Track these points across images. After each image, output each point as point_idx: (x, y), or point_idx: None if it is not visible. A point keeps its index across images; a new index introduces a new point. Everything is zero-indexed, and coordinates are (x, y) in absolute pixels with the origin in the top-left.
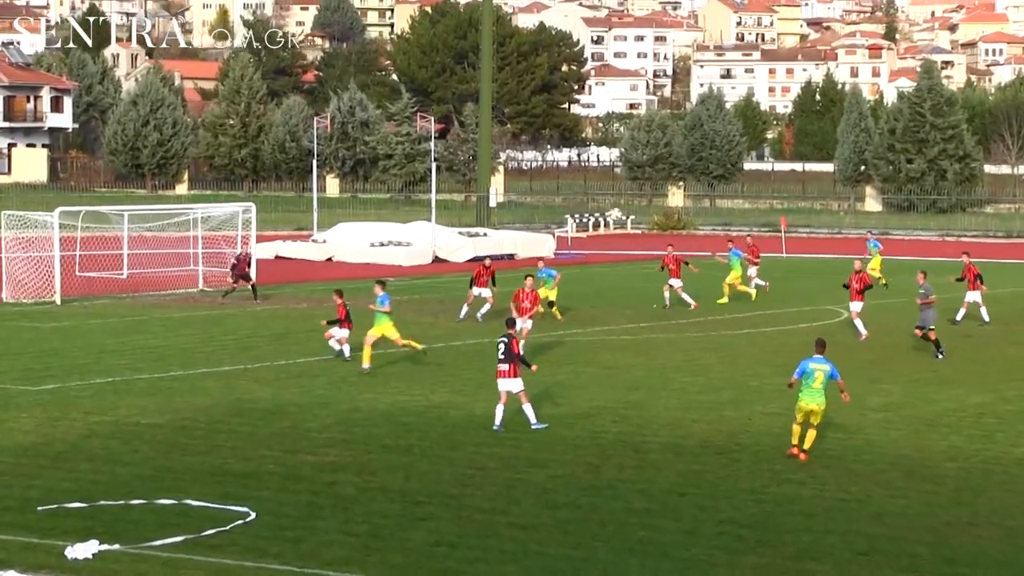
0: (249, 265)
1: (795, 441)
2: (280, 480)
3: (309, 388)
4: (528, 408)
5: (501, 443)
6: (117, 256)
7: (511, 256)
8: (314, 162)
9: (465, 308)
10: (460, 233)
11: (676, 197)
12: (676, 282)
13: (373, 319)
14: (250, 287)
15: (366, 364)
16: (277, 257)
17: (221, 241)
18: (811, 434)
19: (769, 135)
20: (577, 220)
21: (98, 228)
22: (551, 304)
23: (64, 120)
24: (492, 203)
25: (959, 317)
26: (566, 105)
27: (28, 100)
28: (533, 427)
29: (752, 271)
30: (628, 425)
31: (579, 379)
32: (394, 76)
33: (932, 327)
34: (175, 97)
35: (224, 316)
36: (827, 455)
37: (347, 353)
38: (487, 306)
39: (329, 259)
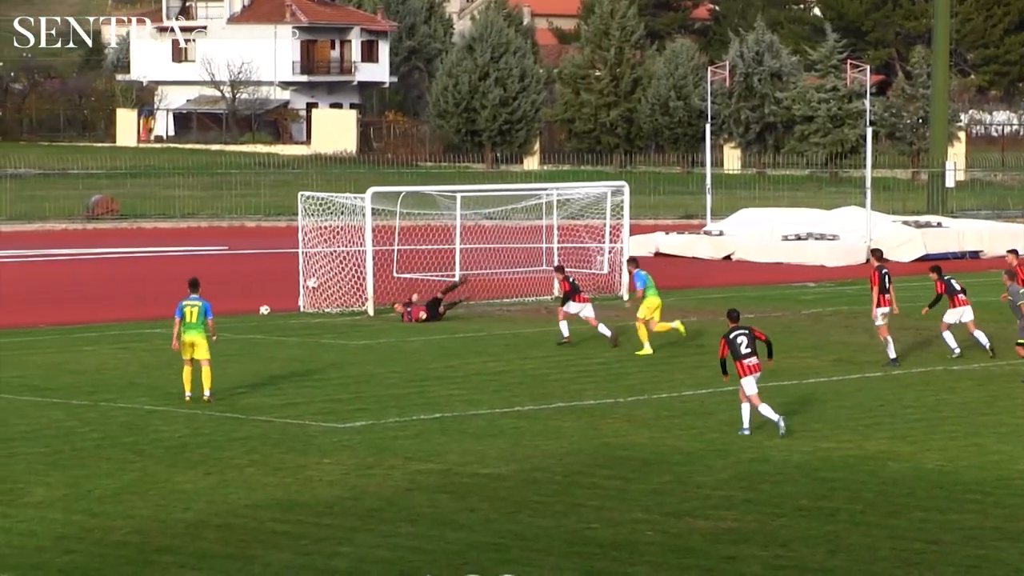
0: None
1: None
2: (660, 552)
3: (700, 430)
4: (766, 409)
5: (960, 507)
6: (447, 252)
7: (975, 254)
8: (707, 127)
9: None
10: (905, 223)
11: None
12: None
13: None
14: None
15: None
16: (657, 254)
17: (583, 232)
18: None
19: None
20: None
21: (422, 215)
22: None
23: (379, 72)
24: (949, 182)
25: None
26: None
27: (333, 46)
28: (781, 432)
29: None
30: None
31: None
32: (816, 11)
33: None
34: (524, 41)
35: (586, 333)
36: None
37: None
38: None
39: (727, 257)
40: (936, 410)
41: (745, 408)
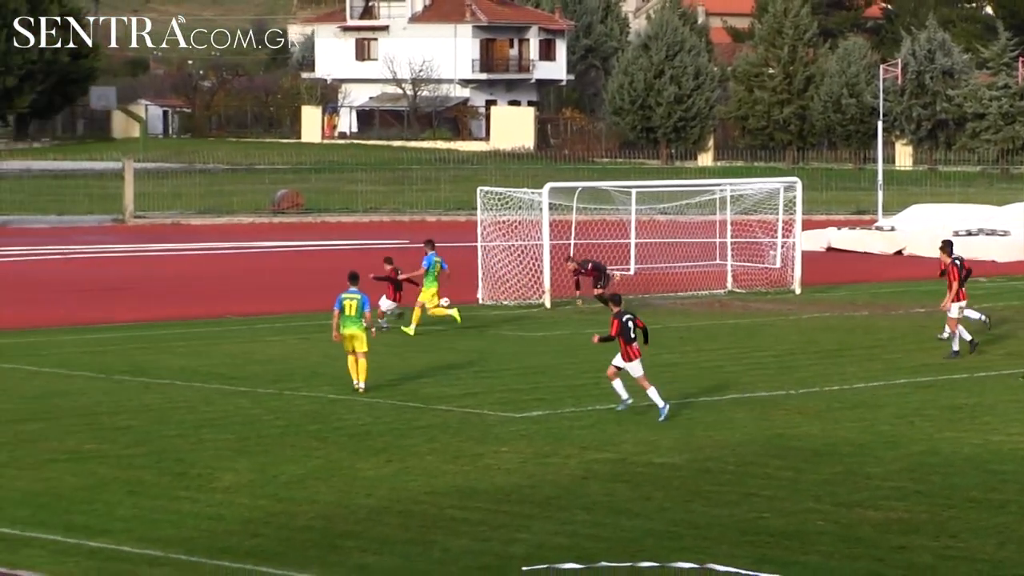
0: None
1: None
2: (832, 541)
3: (870, 422)
4: (653, 393)
5: None
6: (622, 246)
7: None
8: (879, 124)
9: None
10: None
11: None
12: None
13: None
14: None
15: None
16: (829, 249)
17: (756, 227)
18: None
19: None
20: None
21: (598, 210)
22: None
23: (556, 70)
24: None
25: None
26: None
27: (511, 45)
28: (662, 418)
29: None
30: None
31: None
32: (988, 9)
33: None
34: (698, 39)
35: (759, 326)
36: None
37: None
38: None
39: (899, 252)
40: None
41: (617, 384)
